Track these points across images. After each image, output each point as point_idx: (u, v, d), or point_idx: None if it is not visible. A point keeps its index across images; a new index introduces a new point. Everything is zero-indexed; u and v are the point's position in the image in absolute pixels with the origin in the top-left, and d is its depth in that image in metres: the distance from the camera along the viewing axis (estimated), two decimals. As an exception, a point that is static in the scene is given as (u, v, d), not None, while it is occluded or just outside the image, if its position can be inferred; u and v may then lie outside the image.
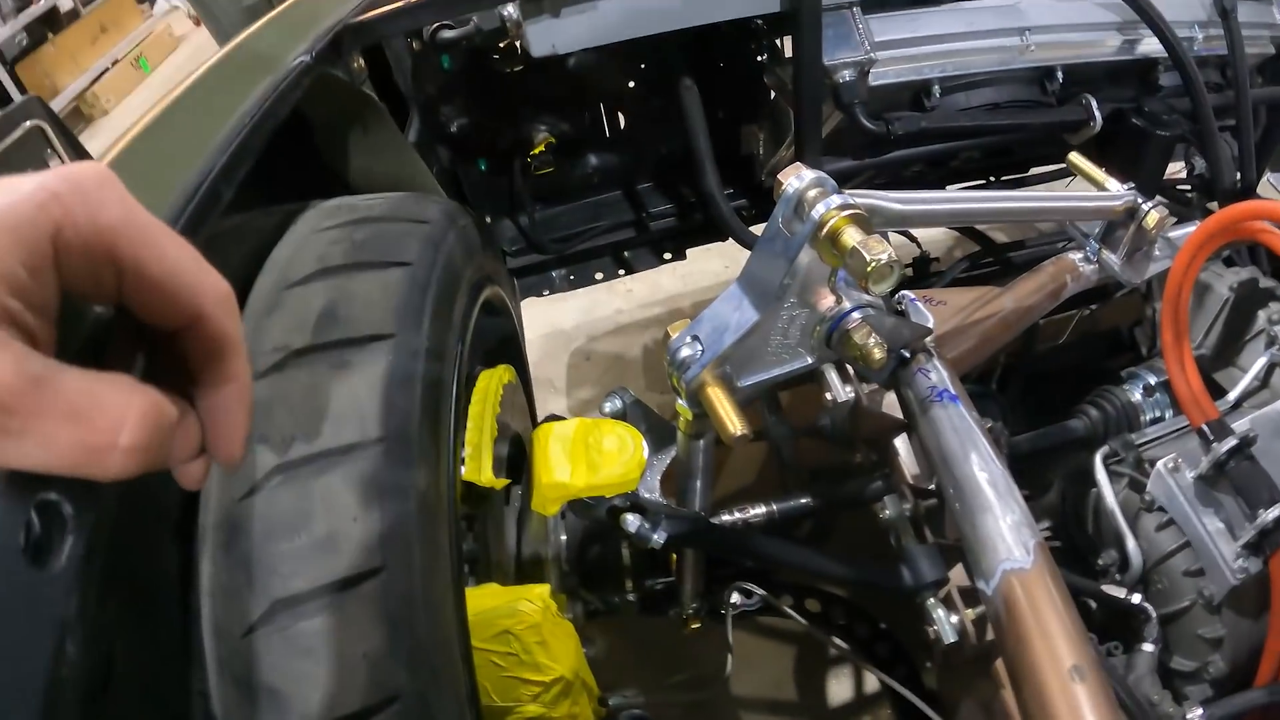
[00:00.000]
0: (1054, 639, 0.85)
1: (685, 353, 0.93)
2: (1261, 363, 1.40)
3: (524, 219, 1.98)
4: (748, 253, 1.73)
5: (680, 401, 0.96)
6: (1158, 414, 1.51)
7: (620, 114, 2.01)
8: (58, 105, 5.37)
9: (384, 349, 0.89)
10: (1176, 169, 2.06)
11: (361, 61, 1.44)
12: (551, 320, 2.78)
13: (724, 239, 2.09)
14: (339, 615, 0.80)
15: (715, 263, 2.74)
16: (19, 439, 0.39)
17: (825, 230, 0.85)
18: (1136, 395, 1.52)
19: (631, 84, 1.92)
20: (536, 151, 1.89)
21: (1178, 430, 1.37)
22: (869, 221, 0.86)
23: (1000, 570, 0.91)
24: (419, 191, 1.23)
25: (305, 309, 0.91)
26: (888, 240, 0.84)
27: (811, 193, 0.88)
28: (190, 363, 0.49)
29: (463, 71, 1.73)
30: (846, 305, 0.96)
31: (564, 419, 1.19)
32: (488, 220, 1.97)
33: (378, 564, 0.81)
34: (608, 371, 2.61)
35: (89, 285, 0.44)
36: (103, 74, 6.00)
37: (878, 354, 0.94)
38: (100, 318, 0.51)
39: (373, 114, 1.41)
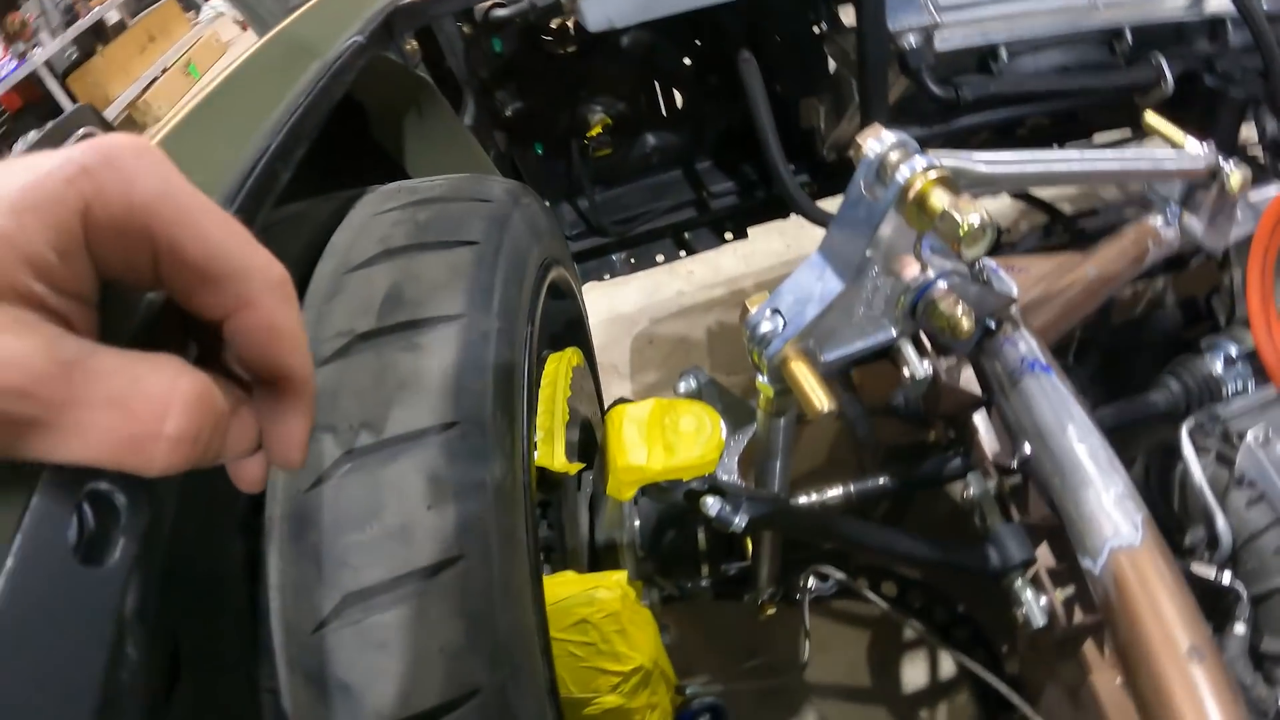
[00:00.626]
0: (1169, 620, 0.81)
1: (766, 327, 0.89)
2: None
3: (583, 202, 1.97)
4: (810, 229, 1.71)
5: (761, 378, 0.93)
6: (1240, 385, 1.43)
7: (677, 92, 1.97)
8: (110, 114, 5.43)
9: (453, 330, 0.87)
10: (1245, 134, 1.98)
11: (415, 44, 1.41)
12: (613, 305, 2.76)
13: (785, 216, 2.07)
14: (414, 608, 0.77)
15: (777, 242, 2.69)
16: (53, 431, 0.35)
17: (912, 194, 0.81)
18: (1218, 366, 1.45)
19: (688, 61, 1.89)
20: (593, 133, 1.87)
21: (1267, 401, 1.30)
22: (956, 183, 0.81)
23: (1108, 548, 0.86)
24: (467, 175, 1.20)
25: (369, 292, 0.89)
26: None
27: (894, 155, 0.84)
28: (242, 354, 0.44)
29: (515, 54, 1.71)
30: (932, 274, 0.92)
31: (634, 402, 1.16)
32: (546, 205, 1.94)
33: (454, 554, 0.79)
34: (672, 355, 2.58)
35: (124, 268, 0.40)
36: (153, 82, 6.06)
37: (966, 324, 0.89)
38: (153, 304, 0.47)
39: (427, 98, 1.40)
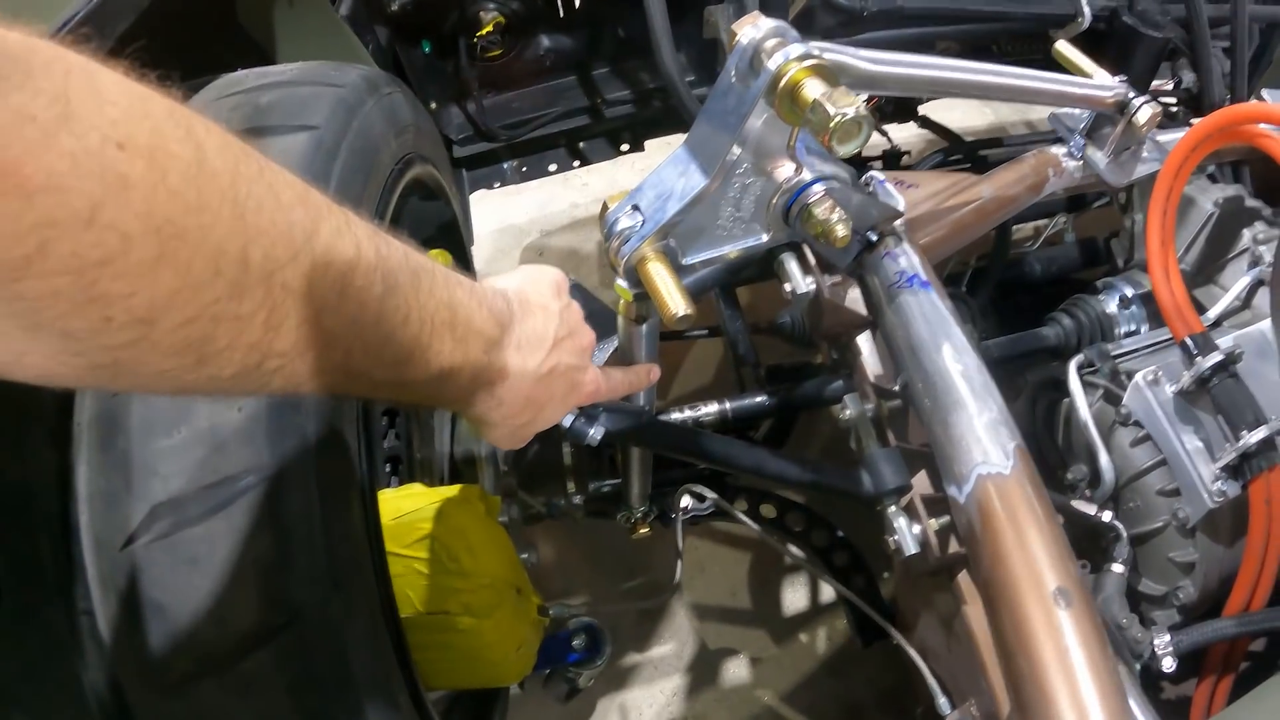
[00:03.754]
0: (1036, 557, 0.76)
1: (624, 224, 0.83)
2: (1244, 282, 1.32)
3: (471, 105, 1.86)
4: None
5: (619, 280, 0.86)
6: (1133, 327, 1.44)
7: (574, -7, 1.87)
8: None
9: None
10: (1160, 82, 1.97)
11: None
12: (504, 215, 2.66)
13: (684, 130, 1.98)
14: (226, 520, 0.71)
15: None
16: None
17: (784, 82, 0.74)
18: (1112, 306, 1.45)
19: (587, -43, 1.79)
20: (484, 32, 1.77)
21: (1157, 344, 1.29)
22: (835, 75, 0.75)
23: (975, 474, 0.82)
24: (321, 62, 1.11)
25: None
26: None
27: (770, 43, 0.77)
28: None
29: None
30: (808, 176, 0.86)
31: None
32: (432, 106, 1.84)
33: (266, 460, 0.72)
34: (561, 266, 2.48)
35: None
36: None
37: (841, 230, 0.84)
38: None
39: None
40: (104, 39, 0.81)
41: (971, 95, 1.16)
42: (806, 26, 1.62)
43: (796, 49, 0.75)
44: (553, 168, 2.02)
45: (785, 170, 0.85)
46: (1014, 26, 1.77)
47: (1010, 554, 0.78)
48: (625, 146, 2.03)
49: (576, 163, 2.03)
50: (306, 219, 0.47)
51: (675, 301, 0.77)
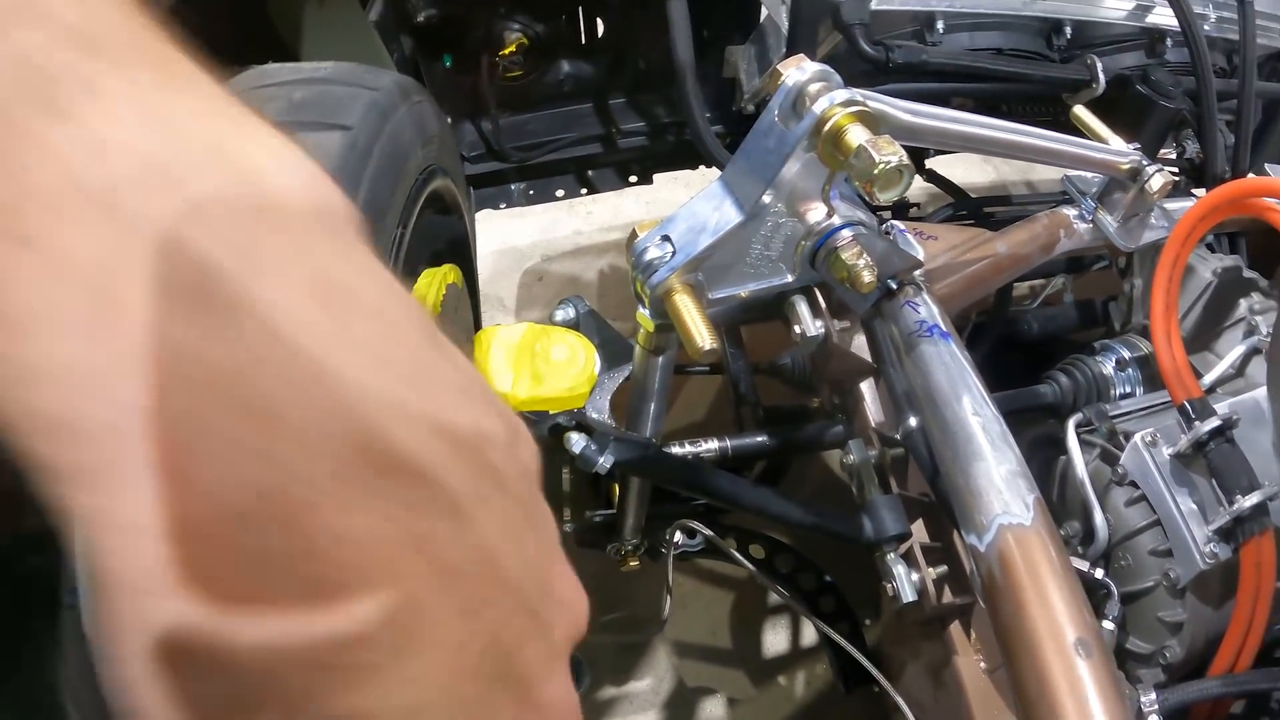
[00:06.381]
0: (1056, 608, 0.77)
1: (653, 253, 0.83)
2: (1240, 350, 1.34)
3: (486, 123, 1.87)
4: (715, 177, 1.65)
5: (641, 310, 0.86)
6: (1129, 389, 1.44)
7: (600, 20, 1.89)
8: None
9: None
10: (1164, 151, 2.00)
11: None
12: (506, 237, 2.66)
13: (694, 167, 2.01)
14: None
15: (681, 193, 2.54)
16: None
17: (828, 126, 0.75)
18: (1109, 368, 1.45)
19: (615, -14, 1.81)
20: (507, 52, 1.77)
21: (1154, 406, 1.30)
22: (878, 123, 0.76)
23: (996, 525, 0.82)
24: (357, 64, 1.11)
25: None
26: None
27: (814, 86, 0.78)
28: None
29: None
30: (838, 221, 0.86)
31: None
32: (448, 120, 1.85)
33: None
34: (561, 293, 2.49)
35: None
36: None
37: (867, 276, 0.84)
38: None
39: None
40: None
41: (999, 153, 1.18)
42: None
43: (841, 94, 0.76)
44: (560, 193, 2.02)
45: (817, 213, 0.85)
46: (1029, 89, 1.79)
47: (1031, 604, 0.78)
48: (634, 178, 2.03)
49: (584, 190, 2.03)
50: None
51: (702, 335, 0.77)
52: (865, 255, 0.85)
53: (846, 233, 0.86)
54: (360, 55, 1.40)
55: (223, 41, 1.13)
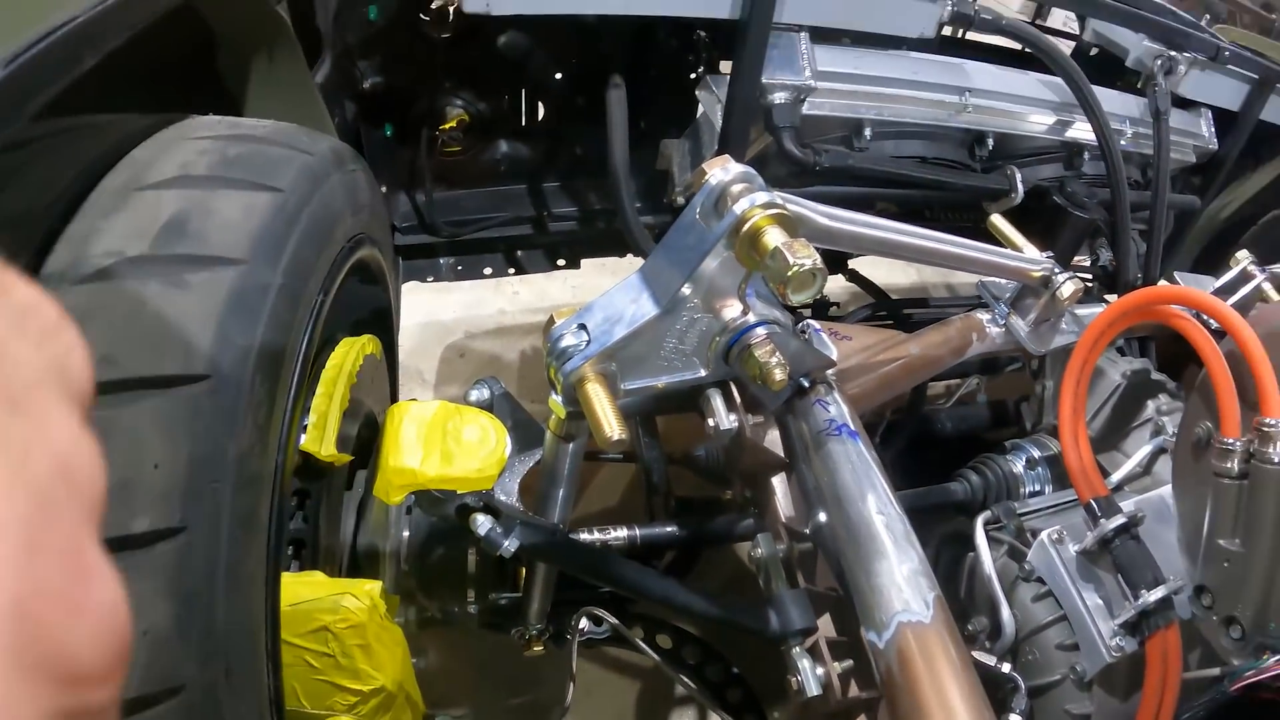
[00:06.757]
0: (953, 706, 0.78)
1: (569, 341, 0.83)
2: (1146, 450, 1.40)
3: (421, 195, 1.87)
4: None
5: (554, 396, 0.87)
6: (1038, 487, 1.50)
7: (541, 104, 1.91)
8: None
9: (230, 276, 0.79)
10: (1079, 258, 2.09)
11: None
12: (431, 310, 2.66)
13: (621, 255, 2.03)
14: (122, 579, 0.68)
15: (608, 280, 2.54)
16: None
17: (747, 227, 0.77)
18: (1019, 466, 1.51)
19: (559, 75, 1.83)
20: (448, 127, 1.79)
21: (1061, 504, 1.36)
22: (796, 226, 0.78)
23: (895, 622, 0.84)
24: (296, 125, 1.12)
25: (152, 215, 0.81)
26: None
27: (736, 187, 0.80)
28: None
29: (389, 25, 1.62)
30: (752, 319, 0.88)
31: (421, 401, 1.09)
32: (383, 190, 1.85)
33: (176, 524, 0.70)
34: (481, 370, 2.49)
35: None
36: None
37: (779, 374, 0.86)
38: None
39: (282, 43, 1.30)
40: (95, 51, 0.80)
41: (912, 259, 1.22)
42: (760, 172, 1.69)
43: (762, 196, 0.78)
44: (488, 271, 2.02)
45: (732, 310, 0.87)
46: (950, 196, 1.86)
47: (929, 700, 0.79)
48: (562, 261, 2.05)
49: (512, 270, 2.03)
50: None
51: (611, 425, 0.78)
52: (778, 354, 0.87)
53: (760, 331, 0.88)
54: (302, 117, 1.39)
55: (169, 88, 1.13)
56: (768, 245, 0.76)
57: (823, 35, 1.60)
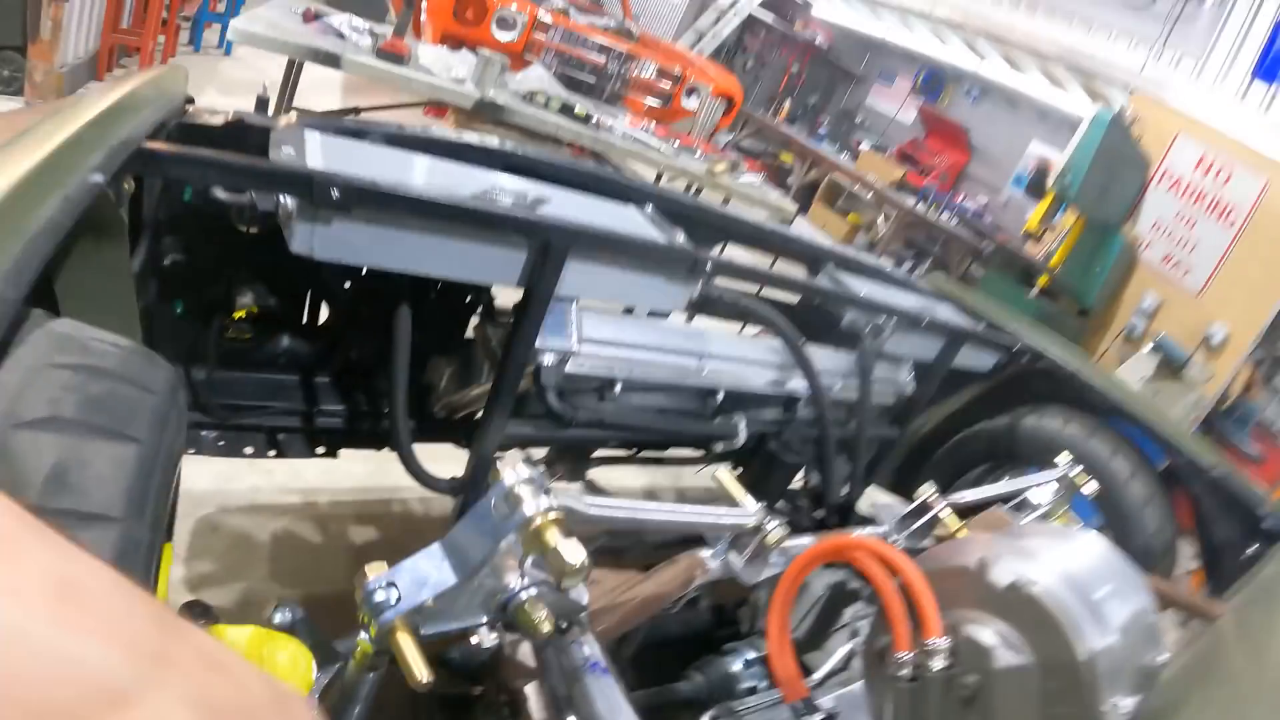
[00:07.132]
0: None
1: (381, 597, 1.03)
2: (844, 650, 1.68)
3: (199, 374, 1.92)
4: (396, 465, 1.84)
5: (364, 636, 1.05)
6: (754, 684, 1.70)
7: (326, 307, 2.07)
8: None
9: (112, 535, 0.88)
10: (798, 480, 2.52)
11: (133, 182, 1.41)
12: (185, 478, 2.58)
13: (379, 449, 2.16)
14: None
15: (360, 466, 2.70)
16: None
17: (533, 526, 1.02)
18: (737, 666, 1.72)
19: (348, 285, 2.00)
20: (238, 316, 1.89)
21: (774, 702, 1.58)
22: (569, 525, 1.03)
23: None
24: (136, 344, 1.15)
25: (35, 463, 0.88)
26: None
27: (522, 489, 1.05)
28: None
29: (199, 210, 1.73)
30: (526, 580, 1.12)
31: (211, 608, 1.17)
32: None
33: None
34: (233, 549, 2.46)
35: None
36: None
37: (547, 627, 1.09)
38: None
39: (113, 235, 1.34)
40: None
41: (657, 530, 1.48)
42: (527, 408, 1.96)
43: (544, 501, 1.03)
44: (249, 450, 2.07)
45: (512, 576, 1.11)
46: (685, 439, 2.23)
47: None
48: (321, 450, 2.15)
49: (273, 452, 2.10)
50: None
51: (420, 670, 0.98)
52: (544, 608, 1.11)
53: (533, 590, 1.12)
54: (111, 302, 1.38)
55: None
56: (549, 543, 1.00)
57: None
